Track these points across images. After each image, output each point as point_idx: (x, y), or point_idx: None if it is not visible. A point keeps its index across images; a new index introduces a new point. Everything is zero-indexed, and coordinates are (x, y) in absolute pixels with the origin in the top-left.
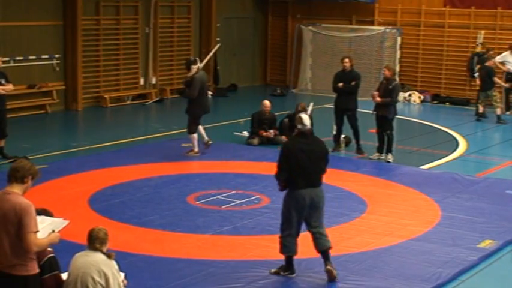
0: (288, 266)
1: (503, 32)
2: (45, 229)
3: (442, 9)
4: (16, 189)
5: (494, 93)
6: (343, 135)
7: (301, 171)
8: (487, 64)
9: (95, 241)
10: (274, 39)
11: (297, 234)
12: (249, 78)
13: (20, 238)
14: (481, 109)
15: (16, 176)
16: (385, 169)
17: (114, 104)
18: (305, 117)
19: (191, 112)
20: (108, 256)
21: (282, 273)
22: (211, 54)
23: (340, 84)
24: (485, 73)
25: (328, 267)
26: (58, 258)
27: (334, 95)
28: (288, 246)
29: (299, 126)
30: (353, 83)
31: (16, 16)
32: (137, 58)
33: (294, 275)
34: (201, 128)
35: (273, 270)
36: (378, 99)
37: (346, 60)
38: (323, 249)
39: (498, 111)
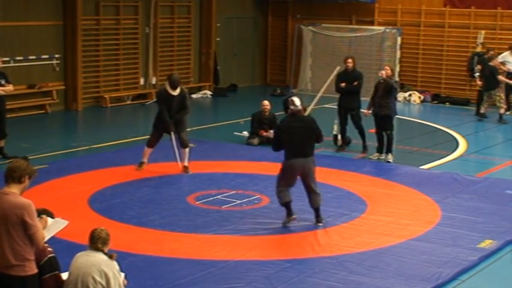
0: (289, 211)
1: (503, 32)
2: (48, 229)
3: (442, 9)
4: (14, 189)
5: (498, 94)
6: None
7: (290, 144)
8: (491, 64)
9: (97, 241)
10: (274, 39)
11: (289, 189)
12: (249, 78)
13: (30, 237)
14: (483, 109)
15: (13, 176)
16: (385, 169)
17: (114, 104)
18: (296, 100)
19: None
20: (110, 257)
21: (287, 219)
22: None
23: (343, 85)
24: (489, 72)
25: (318, 219)
26: (58, 258)
27: (333, 95)
28: (283, 197)
29: (291, 107)
30: (355, 83)
31: (16, 16)
32: (137, 58)
33: (295, 216)
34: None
35: (282, 223)
36: (384, 73)
37: (350, 60)
38: (316, 207)
39: (502, 110)
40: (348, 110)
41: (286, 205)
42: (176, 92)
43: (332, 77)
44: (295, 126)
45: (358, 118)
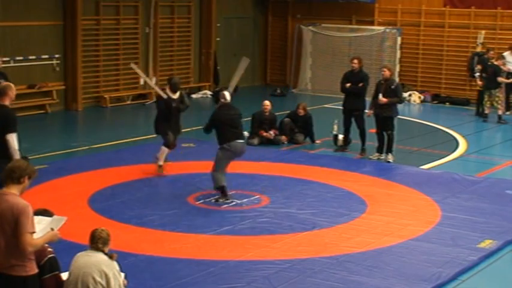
0: (224, 194)
1: (503, 32)
2: (45, 230)
3: (442, 9)
4: (13, 190)
5: (498, 94)
6: (342, 136)
7: (232, 129)
8: (496, 62)
9: (97, 241)
10: (274, 39)
11: (224, 172)
12: (249, 78)
13: (16, 238)
14: (487, 109)
15: (13, 177)
16: (385, 169)
17: (114, 104)
18: (227, 94)
19: None
20: (110, 257)
21: (221, 200)
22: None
23: (348, 85)
24: (492, 71)
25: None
26: (58, 258)
27: (336, 95)
28: (219, 179)
29: (222, 100)
30: (360, 85)
31: (16, 16)
32: (137, 58)
33: (229, 200)
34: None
35: (213, 200)
36: (384, 99)
37: (355, 61)
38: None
39: (500, 111)
40: (352, 111)
41: (222, 188)
42: (176, 95)
43: (241, 68)
44: (232, 114)
45: (362, 120)
